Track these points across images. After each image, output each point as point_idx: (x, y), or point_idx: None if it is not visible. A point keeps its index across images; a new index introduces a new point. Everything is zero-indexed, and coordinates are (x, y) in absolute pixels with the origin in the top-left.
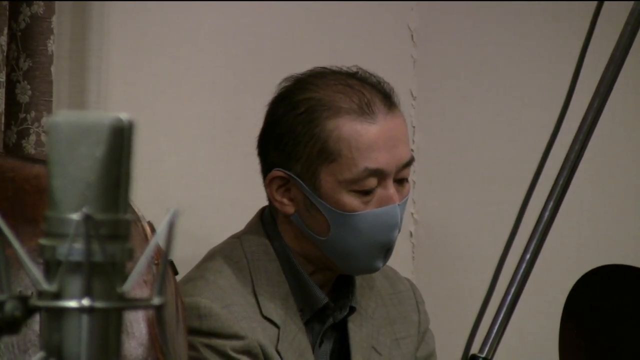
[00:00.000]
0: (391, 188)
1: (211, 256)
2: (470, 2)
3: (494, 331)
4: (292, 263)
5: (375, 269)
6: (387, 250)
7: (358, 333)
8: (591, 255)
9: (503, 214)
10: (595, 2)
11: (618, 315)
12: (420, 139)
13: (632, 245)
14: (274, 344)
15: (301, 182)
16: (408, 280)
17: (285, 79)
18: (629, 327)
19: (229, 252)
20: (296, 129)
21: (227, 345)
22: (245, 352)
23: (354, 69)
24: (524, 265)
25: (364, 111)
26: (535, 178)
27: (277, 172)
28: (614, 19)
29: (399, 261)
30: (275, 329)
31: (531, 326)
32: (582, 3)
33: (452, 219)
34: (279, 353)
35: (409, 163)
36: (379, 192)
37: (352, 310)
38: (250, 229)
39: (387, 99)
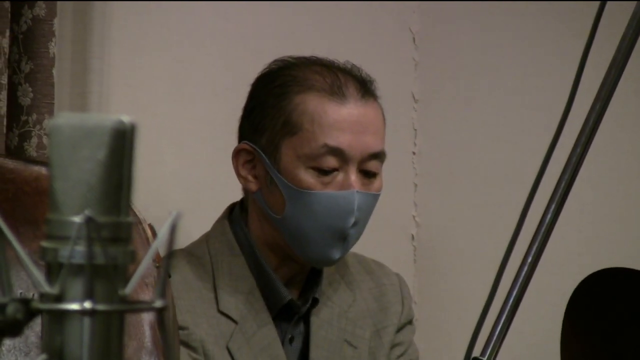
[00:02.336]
0: (353, 174)
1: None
2: (472, 4)
3: (496, 334)
4: (257, 258)
5: (332, 260)
6: (343, 239)
7: (324, 327)
8: (593, 258)
9: (505, 217)
10: (598, 3)
11: (620, 319)
12: (421, 141)
13: (634, 248)
14: (225, 340)
15: (264, 155)
16: (398, 275)
17: (275, 60)
18: (631, 330)
19: (192, 248)
20: (267, 101)
21: None
22: (183, 342)
23: (347, 64)
24: (525, 268)
25: (335, 92)
26: (537, 181)
27: (243, 145)
28: (617, 20)
29: (401, 264)
30: (232, 325)
31: (533, 329)
32: (585, 4)
33: (454, 221)
34: (229, 350)
35: (377, 155)
36: (340, 176)
37: (315, 302)
38: (216, 225)
39: (364, 87)
